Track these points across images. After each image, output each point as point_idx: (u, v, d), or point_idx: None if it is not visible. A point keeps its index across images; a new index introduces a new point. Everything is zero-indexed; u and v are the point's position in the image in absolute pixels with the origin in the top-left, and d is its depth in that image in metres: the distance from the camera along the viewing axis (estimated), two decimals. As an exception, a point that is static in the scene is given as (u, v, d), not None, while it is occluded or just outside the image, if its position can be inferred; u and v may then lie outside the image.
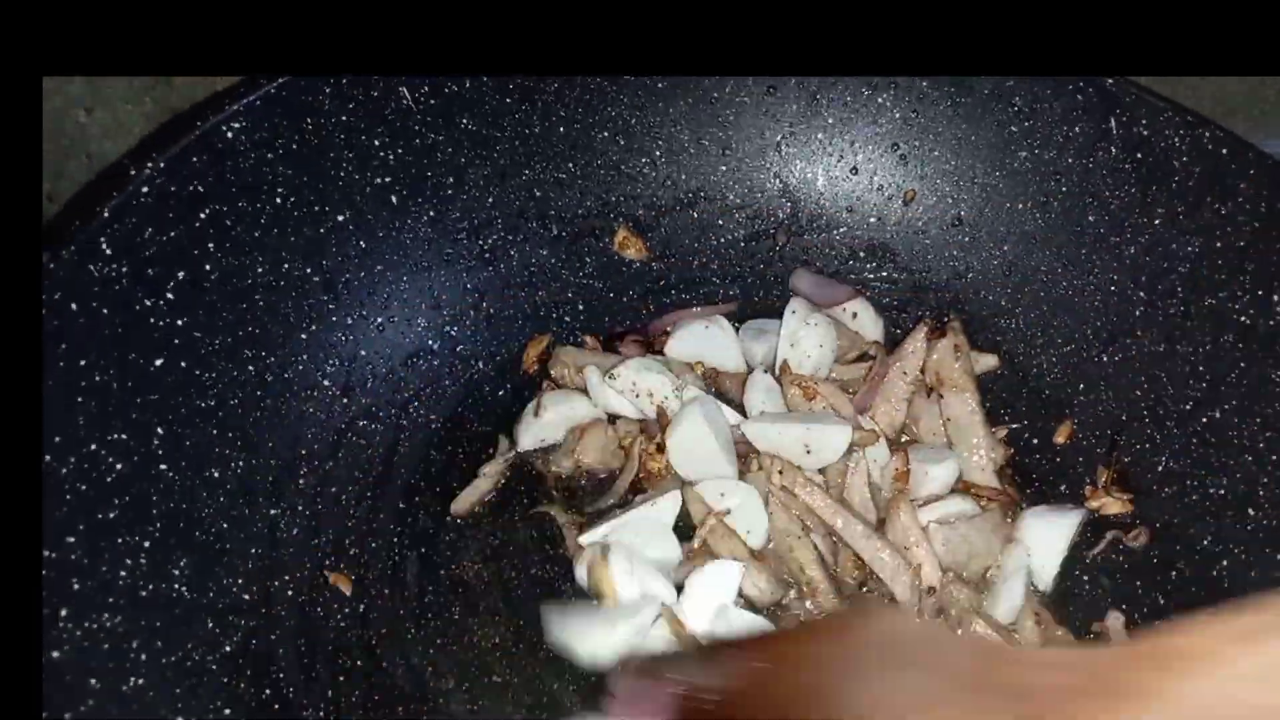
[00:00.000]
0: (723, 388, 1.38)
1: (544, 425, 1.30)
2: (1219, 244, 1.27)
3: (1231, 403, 1.26)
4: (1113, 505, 1.30)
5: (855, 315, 1.43)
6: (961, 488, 1.29)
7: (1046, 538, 1.24)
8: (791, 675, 0.78)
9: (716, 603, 1.12)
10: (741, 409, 1.33)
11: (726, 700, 0.78)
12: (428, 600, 1.19)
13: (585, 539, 1.18)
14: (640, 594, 1.12)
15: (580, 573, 1.17)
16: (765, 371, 1.35)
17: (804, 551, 1.18)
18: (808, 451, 1.23)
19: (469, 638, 1.16)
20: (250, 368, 1.15)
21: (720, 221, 1.50)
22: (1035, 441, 1.36)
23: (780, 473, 1.21)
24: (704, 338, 1.38)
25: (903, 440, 1.34)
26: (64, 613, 0.85)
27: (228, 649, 1.01)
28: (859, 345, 1.40)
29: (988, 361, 1.40)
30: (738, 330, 1.40)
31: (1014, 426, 1.37)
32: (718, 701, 0.78)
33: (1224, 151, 1.25)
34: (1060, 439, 1.36)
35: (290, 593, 1.11)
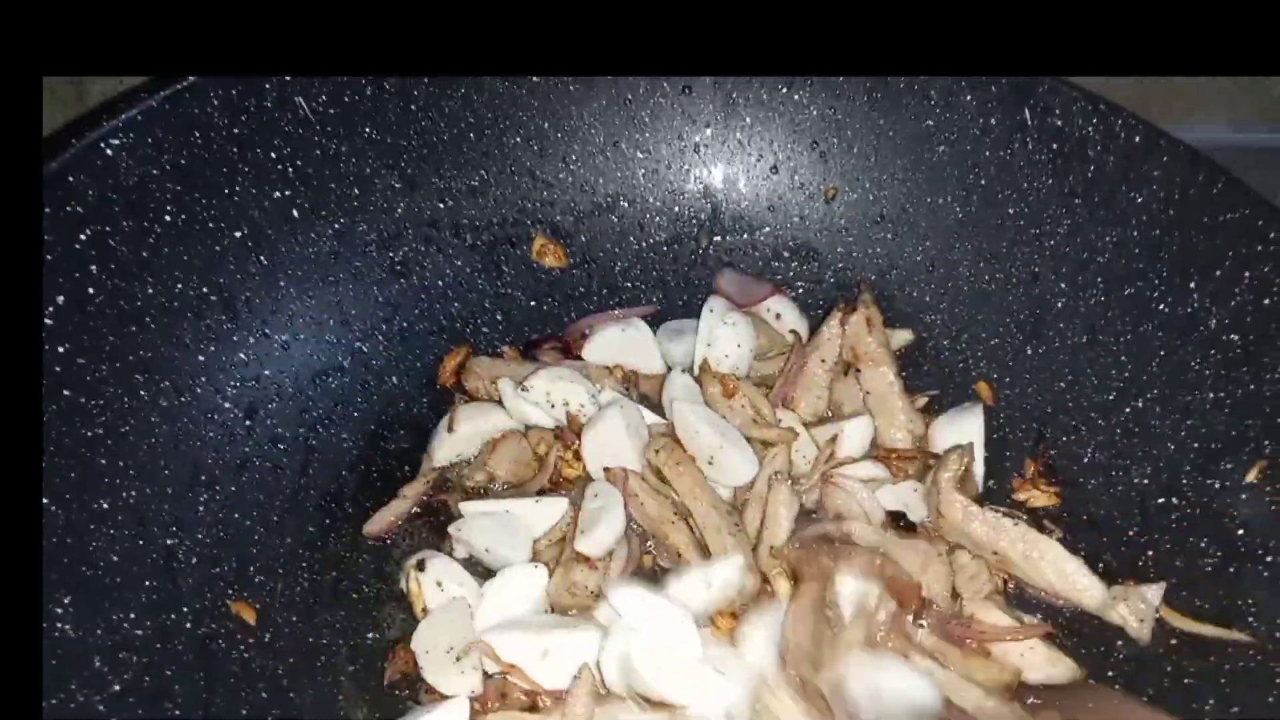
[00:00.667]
0: (643, 390, 1.35)
1: (458, 439, 1.27)
2: (1136, 233, 1.26)
3: (1153, 392, 1.25)
4: (1040, 498, 1.28)
5: (779, 316, 1.41)
6: (881, 455, 1.29)
7: (959, 439, 1.27)
8: None
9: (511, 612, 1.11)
10: (661, 410, 1.30)
11: None
12: (338, 627, 1.15)
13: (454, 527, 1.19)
14: (449, 600, 1.11)
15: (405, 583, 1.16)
16: (684, 371, 1.32)
17: (678, 535, 1.15)
18: (710, 463, 1.21)
19: (381, 664, 1.12)
20: (142, 393, 1.11)
21: (641, 225, 1.47)
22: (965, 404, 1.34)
23: (658, 451, 1.19)
24: (621, 340, 1.35)
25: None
26: (-79, 661, 0.81)
27: (117, 688, 0.96)
28: (779, 344, 1.38)
29: (902, 336, 1.40)
30: (656, 332, 1.38)
31: (934, 393, 1.37)
32: None
33: (1137, 139, 1.24)
34: (985, 399, 1.37)
35: (189, 625, 1.06)
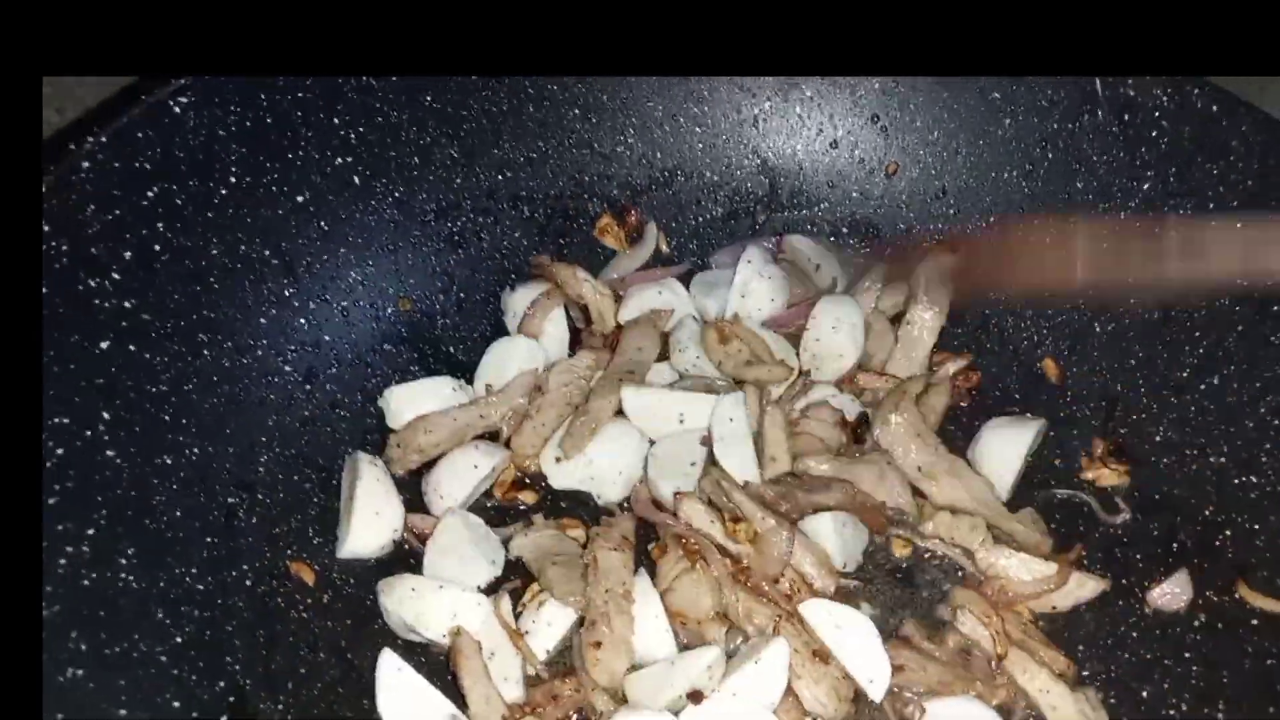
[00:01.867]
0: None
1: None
2: (1212, 205, 1.22)
3: (1230, 368, 1.21)
4: (1109, 477, 1.25)
5: (818, 267, 1.40)
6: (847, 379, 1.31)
7: (1001, 451, 1.24)
8: None
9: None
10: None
11: None
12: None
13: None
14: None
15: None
16: (696, 320, 1.33)
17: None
18: (681, 420, 1.22)
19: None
20: (206, 353, 1.11)
21: (698, 199, 1.46)
22: (1027, 415, 1.30)
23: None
24: (658, 303, 1.35)
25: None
26: (-8, 599, 0.81)
27: (178, 640, 0.96)
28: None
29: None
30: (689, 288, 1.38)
31: (980, 360, 1.35)
32: None
33: (1214, 109, 1.21)
34: (1051, 377, 1.34)
35: (248, 583, 1.06)
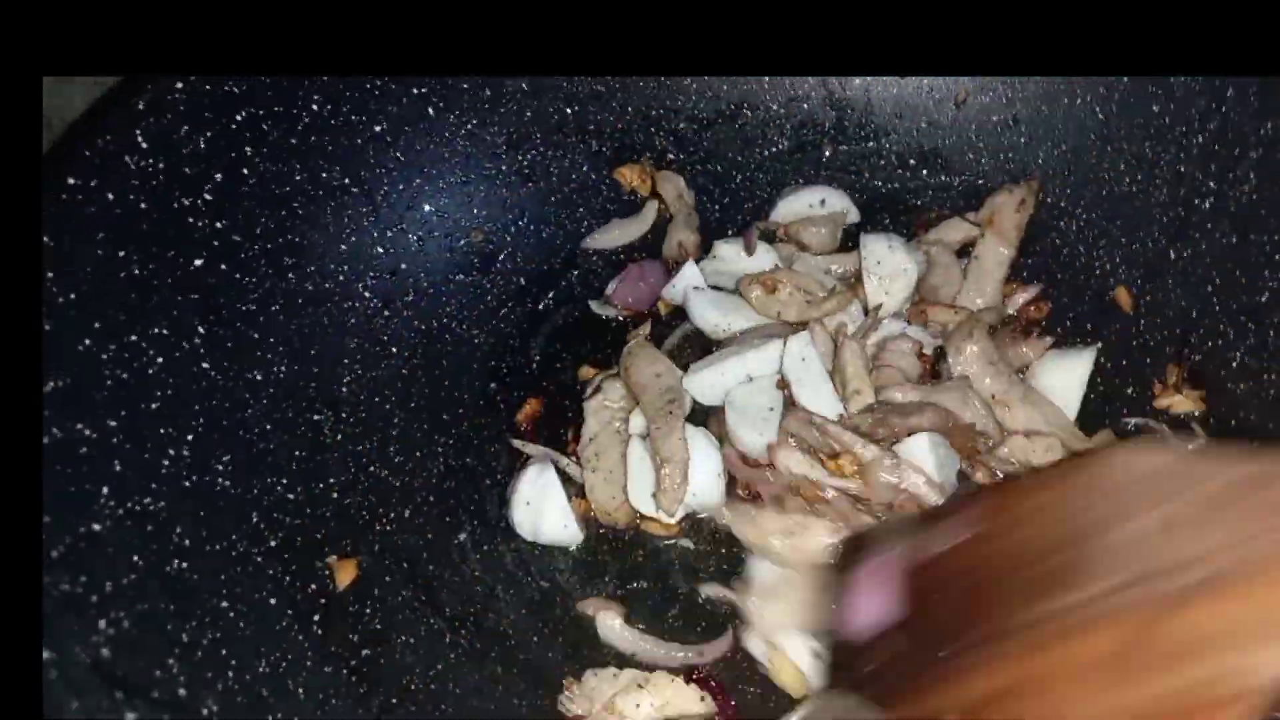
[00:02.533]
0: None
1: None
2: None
3: (1310, 293, 1.19)
4: (1183, 404, 1.24)
5: (823, 201, 1.42)
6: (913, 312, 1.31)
7: (1060, 382, 1.25)
8: (1030, 529, 0.75)
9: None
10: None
11: (962, 558, 0.76)
12: (472, 509, 1.18)
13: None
14: None
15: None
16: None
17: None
18: (750, 378, 1.22)
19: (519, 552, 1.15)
20: (291, 275, 1.15)
21: (764, 133, 1.46)
22: (1099, 345, 1.29)
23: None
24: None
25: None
26: (105, 490, 0.86)
27: (273, 544, 1.00)
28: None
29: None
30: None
31: (1053, 291, 1.34)
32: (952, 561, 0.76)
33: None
34: (1123, 306, 1.32)
35: (335, 495, 1.10)
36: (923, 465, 1.13)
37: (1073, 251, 1.36)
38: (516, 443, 1.22)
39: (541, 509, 1.14)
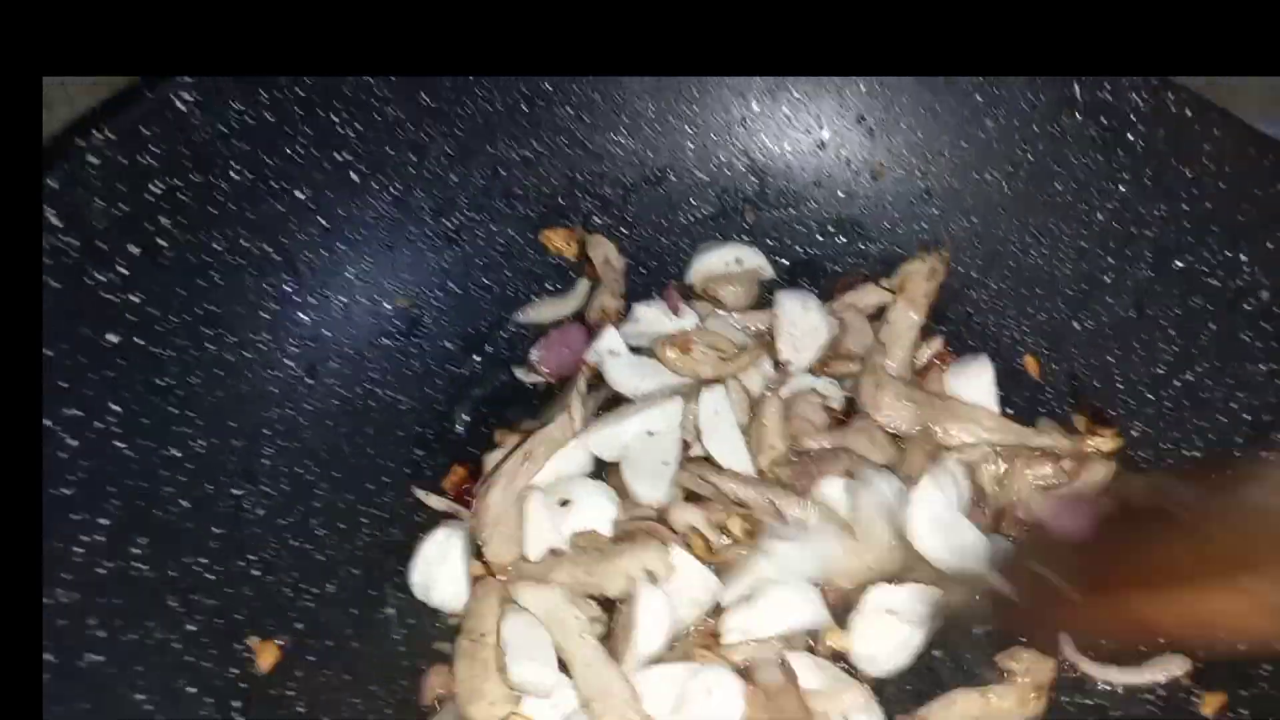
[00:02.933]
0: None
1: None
2: (1185, 206, 1.27)
3: (1204, 364, 1.26)
4: (1105, 442, 1.28)
5: (739, 260, 1.46)
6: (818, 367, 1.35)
7: (975, 389, 1.31)
8: None
9: None
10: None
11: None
12: (397, 582, 1.16)
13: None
14: None
15: None
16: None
17: None
18: (649, 434, 1.23)
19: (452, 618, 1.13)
20: (210, 346, 1.13)
21: (688, 198, 1.49)
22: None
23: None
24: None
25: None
26: (14, 587, 0.82)
27: (191, 628, 0.98)
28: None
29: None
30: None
31: (951, 348, 1.38)
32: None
33: (1187, 113, 1.26)
34: (1032, 373, 1.38)
35: (256, 573, 1.08)
36: (836, 509, 1.17)
37: (983, 320, 1.42)
38: (420, 493, 1.21)
39: (438, 572, 1.13)
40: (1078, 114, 1.33)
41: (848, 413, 1.31)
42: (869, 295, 1.41)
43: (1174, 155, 1.27)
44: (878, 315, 1.39)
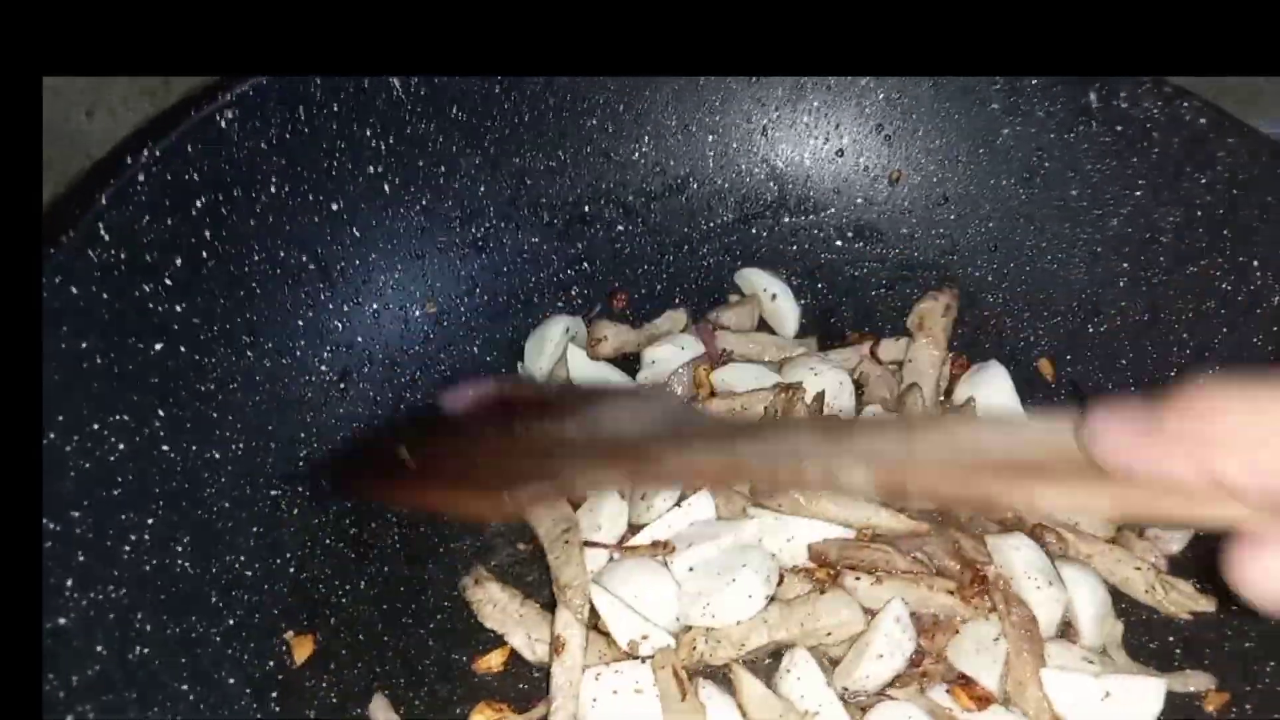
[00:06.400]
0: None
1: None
2: (1199, 213, 1.29)
3: (1215, 368, 1.28)
4: None
5: (774, 296, 1.48)
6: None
7: (996, 395, 1.31)
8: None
9: None
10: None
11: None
12: (426, 579, 1.21)
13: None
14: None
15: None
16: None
17: None
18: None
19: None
20: (249, 353, 1.18)
21: (710, 205, 1.52)
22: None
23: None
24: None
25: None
26: (69, 583, 0.88)
27: (231, 622, 1.03)
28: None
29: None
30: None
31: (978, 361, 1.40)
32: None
33: (1202, 121, 1.27)
34: (1047, 376, 1.41)
35: (292, 570, 1.13)
36: None
37: (999, 323, 1.44)
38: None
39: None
40: (1094, 122, 1.35)
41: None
42: (888, 351, 1.42)
43: (1188, 163, 1.29)
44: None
